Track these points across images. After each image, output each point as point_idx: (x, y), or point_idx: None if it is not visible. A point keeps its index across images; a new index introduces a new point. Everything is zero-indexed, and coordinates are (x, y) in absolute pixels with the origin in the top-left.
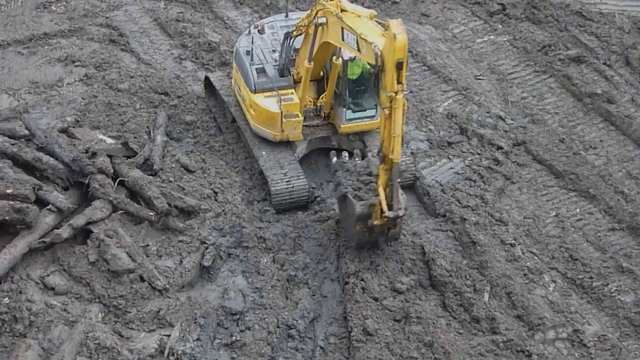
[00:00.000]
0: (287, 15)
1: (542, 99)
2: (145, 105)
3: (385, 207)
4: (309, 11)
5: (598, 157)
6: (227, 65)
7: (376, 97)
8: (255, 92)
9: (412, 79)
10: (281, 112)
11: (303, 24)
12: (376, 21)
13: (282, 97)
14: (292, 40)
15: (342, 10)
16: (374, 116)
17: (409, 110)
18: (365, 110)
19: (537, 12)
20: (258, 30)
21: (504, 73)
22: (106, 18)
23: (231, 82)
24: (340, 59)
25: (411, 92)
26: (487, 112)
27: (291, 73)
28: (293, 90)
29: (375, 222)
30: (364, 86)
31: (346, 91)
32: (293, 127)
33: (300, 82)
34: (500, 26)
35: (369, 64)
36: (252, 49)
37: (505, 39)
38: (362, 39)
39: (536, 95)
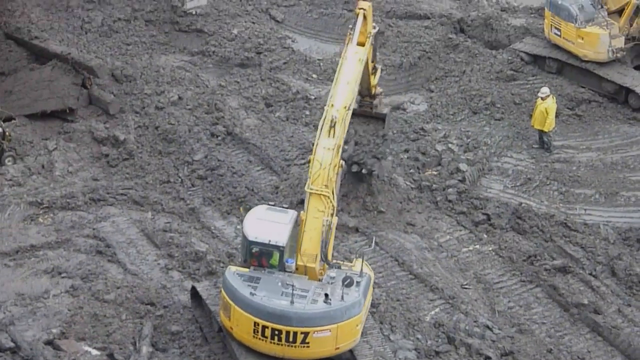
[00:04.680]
0: None
1: (529, 309)
2: (131, 315)
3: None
4: None
5: None
6: (214, 274)
7: None
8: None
9: (398, 287)
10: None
11: None
12: None
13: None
14: None
15: None
16: None
17: (395, 319)
18: None
19: (522, 223)
20: None
21: (490, 282)
22: (93, 229)
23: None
24: None
25: (398, 300)
26: (475, 322)
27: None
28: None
29: None
30: None
31: None
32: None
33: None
34: (485, 236)
35: None
36: None
37: (490, 249)
38: None
39: (523, 305)
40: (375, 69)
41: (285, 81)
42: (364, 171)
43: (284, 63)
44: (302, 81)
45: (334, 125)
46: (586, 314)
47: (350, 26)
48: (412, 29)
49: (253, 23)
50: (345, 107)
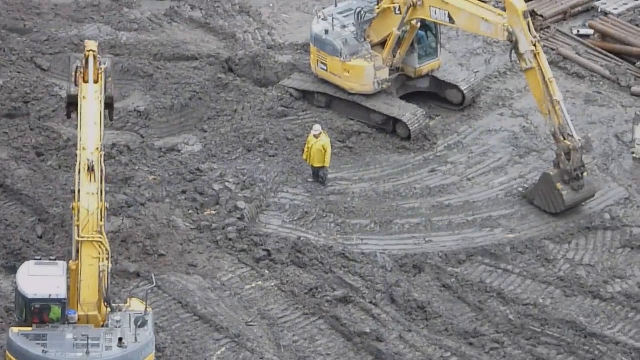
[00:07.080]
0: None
1: (314, 341)
2: None
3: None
4: None
5: None
6: None
7: None
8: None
9: (183, 329)
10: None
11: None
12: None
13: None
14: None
15: None
16: None
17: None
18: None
19: (302, 256)
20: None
21: (274, 318)
22: None
23: None
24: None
25: (184, 342)
26: (261, 358)
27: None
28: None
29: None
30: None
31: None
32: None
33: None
34: (267, 272)
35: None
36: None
37: (273, 284)
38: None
39: (307, 338)
40: (110, 105)
41: (55, 129)
42: None
43: (53, 111)
44: (72, 128)
45: (92, 168)
46: (369, 342)
47: (77, 66)
48: (181, 70)
49: (19, 73)
50: (97, 149)
